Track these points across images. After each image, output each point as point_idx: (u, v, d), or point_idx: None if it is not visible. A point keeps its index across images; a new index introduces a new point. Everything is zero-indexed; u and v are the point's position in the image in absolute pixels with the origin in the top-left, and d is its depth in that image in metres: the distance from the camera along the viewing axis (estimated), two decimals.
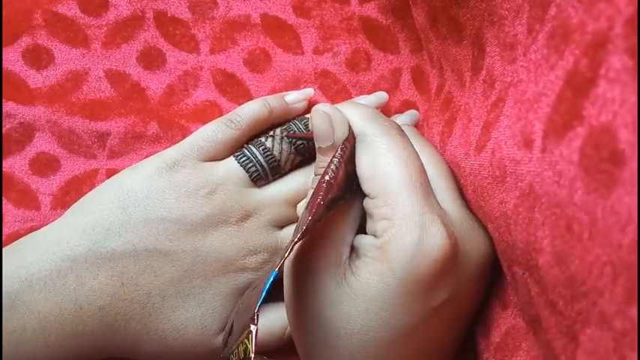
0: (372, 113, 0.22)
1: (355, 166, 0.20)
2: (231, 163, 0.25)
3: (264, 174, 0.25)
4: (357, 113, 0.22)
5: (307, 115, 0.27)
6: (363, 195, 0.20)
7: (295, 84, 0.29)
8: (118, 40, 0.28)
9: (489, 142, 0.18)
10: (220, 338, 0.24)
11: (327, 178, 0.19)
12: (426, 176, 0.20)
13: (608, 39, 0.11)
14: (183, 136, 0.26)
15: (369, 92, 0.29)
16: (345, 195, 0.20)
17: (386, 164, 0.19)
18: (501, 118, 0.17)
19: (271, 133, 0.26)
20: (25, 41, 0.27)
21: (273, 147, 0.26)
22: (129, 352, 0.23)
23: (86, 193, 0.24)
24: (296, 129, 0.26)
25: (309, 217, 0.18)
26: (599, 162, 0.11)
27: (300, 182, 0.26)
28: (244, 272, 0.24)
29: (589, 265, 0.12)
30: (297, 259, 0.21)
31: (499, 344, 0.19)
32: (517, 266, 0.17)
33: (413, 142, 0.21)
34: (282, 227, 0.26)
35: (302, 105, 0.28)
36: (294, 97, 0.28)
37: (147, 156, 0.27)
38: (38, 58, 0.27)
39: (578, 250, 0.12)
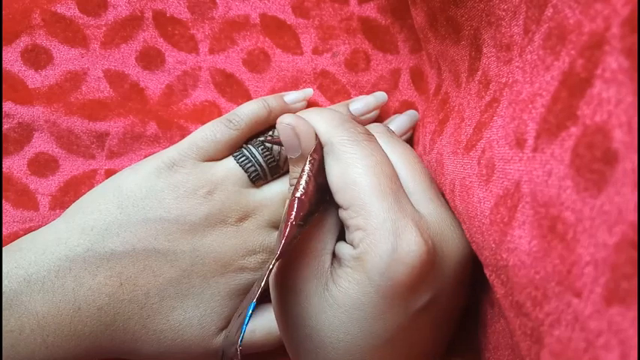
0: (338, 119, 0.21)
1: (325, 177, 0.20)
2: (230, 163, 0.25)
3: (263, 174, 0.25)
4: (322, 121, 0.21)
5: None
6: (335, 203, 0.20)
7: (294, 84, 0.29)
8: (117, 40, 0.28)
9: (480, 141, 0.18)
10: (219, 338, 0.24)
11: (297, 194, 0.19)
12: (397, 180, 0.20)
13: (605, 39, 0.11)
14: (182, 137, 0.26)
15: (368, 92, 0.29)
16: (319, 207, 0.20)
17: (354, 173, 0.19)
18: (495, 118, 0.17)
19: (270, 133, 0.26)
20: (24, 41, 0.27)
21: (272, 147, 0.26)
22: (127, 352, 0.23)
23: (85, 193, 0.24)
24: None
25: (282, 240, 0.18)
26: (591, 161, 0.11)
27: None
28: (243, 272, 0.24)
29: (569, 265, 0.12)
30: (281, 270, 0.21)
31: (495, 343, 0.19)
32: (486, 267, 0.17)
33: (383, 145, 0.21)
34: None
35: (301, 105, 0.28)
36: (294, 97, 0.28)
37: (146, 156, 0.27)
38: (37, 58, 0.27)
39: (559, 249, 0.12)
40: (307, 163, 0.20)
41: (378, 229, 0.18)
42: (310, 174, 0.20)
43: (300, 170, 0.21)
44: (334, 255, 0.20)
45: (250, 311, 0.17)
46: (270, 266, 0.17)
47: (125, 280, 0.22)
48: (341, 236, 0.21)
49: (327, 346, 0.19)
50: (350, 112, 0.28)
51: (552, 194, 0.13)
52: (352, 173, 0.19)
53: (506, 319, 0.16)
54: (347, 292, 0.19)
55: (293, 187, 0.20)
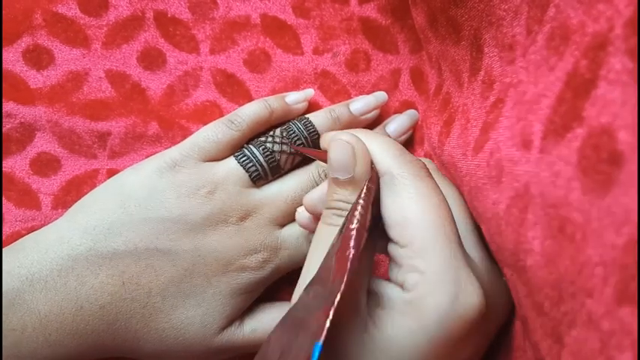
0: (398, 149, 0.20)
1: (378, 208, 0.19)
2: (231, 163, 0.25)
3: (264, 174, 0.26)
4: (382, 148, 0.20)
5: (307, 115, 0.27)
6: (379, 236, 0.19)
7: (295, 84, 0.29)
8: (119, 41, 0.28)
9: (488, 142, 0.18)
10: (220, 337, 0.24)
11: (354, 225, 0.17)
12: (455, 224, 0.19)
13: (608, 40, 0.11)
14: (184, 137, 0.26)
15: (369, 92, 0.30)
16: (370, 240, 0.18)
17: (417, 211, 0.18)
18: (500, 119, 0.17)
19: (271, 133, 0.26)
20: (26, 41, 0.27)
21: (273, 147, 0.26)
22: (129, 350, 0.23)
23: (87, 193, 0.25)
24: (296, 129, 0.26)
25: (345, 275, 0.16)
26: (597, 163, 0.11)
27: (300, 181, 0.26)
28: (244, 271, 0.24)
29: (579, 266, 0.12)
30: None
31: (506, 346, 0.19)
32: (506, 267, 0.17)
33: (438, 183, 0.20)
34: (282, 225, 0.26)
35: (302, 105, 0.28)
36: (295, 98, 0.28)
37: (147, 156, 0.27)
38: (38, 58, 0.27)
39: (570, 250, 0.12)
40: (364, 192, 0.18)
41: (439, 276, 0.17)
42: (367, 204, 0.18)
43: (344, 194, 0.19)
44: (369, 293, 0.19)
45: (317, 354, 0.14)
46: (335, 302, 0.15)
47: (127, 280, 0.22)
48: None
49: None
50: (351, 111, 0.28)
51: (560, 195, 0.13)
52: (415, 210, 0.18)
53: (527, 319, 0.16)
54: (393, 339, 0.17)
55: (347, 217, 0.18)
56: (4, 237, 0.26)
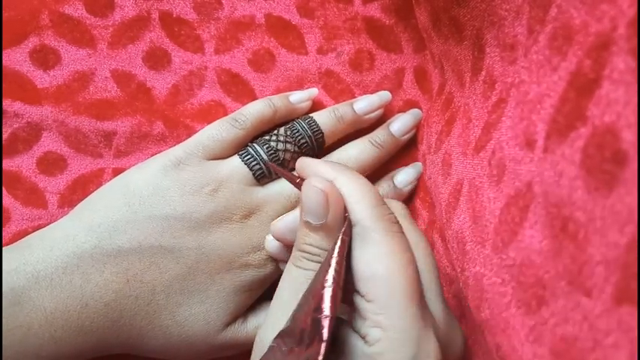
0: (372, 199, 0.19)
1: (349, 259, 0.19)
2: (235, 161, 0.25)
3: (268, 172, 0.26)
4: (357, 197, 0.19)
5: (311, 115, 0.27)
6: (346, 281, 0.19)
7: (299, 84, 0.30)
8: (124, 41, 0.28)
9: (490, 142, 0.18)
10: (224, 334, 0.24)
11: (328, 284, 0.17)
12: (421, 282, 0.19)
13: (612, 40, 0.11)
14: (189, 136, 0.26)
15: (373, 92, 0.30)
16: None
17: (387, 270, 0.18)
18: (503, 118, 0.17)
19: (275, 132, 0.26)
20: (32, 42, 0.27)
21: (277, 146, 0.26)
22: (134, 347, 0.23)
23: (93, 191, 0.25)
24: (300, 128, 0.27)
25: (322, 341, 0.16)
26: (601, 162, 0.11)
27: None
28: (248, 269, 0.24)
29: (580, 265, 0.12)
30: None
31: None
32: (480, 267, 0.17)
33: (407, 234, 0.20)
34: None
35: (306, 105, 0.28)
36: (299, 97, 0.28)
37: (153, 155, 0.27)
38: (45, 58, 0.28)
39: (570, 249, 0.12)
40: (338, 245, 0.18)
41: (401, 335, 0.17)
42: (341, 258, 0.18)
43: (314, 238, 0.19)
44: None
45: None
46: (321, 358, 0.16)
47: (132, 277, 0.22)
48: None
49: None
50: (355, 111, 0.28)
51: (563, 194, 0.13)
52: (384, 268, 0.18)
53: (493, 320, 0.16)
54: None
55: (320, 269, 0.18)
56: (10, 235, 0.26)
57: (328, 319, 0.16)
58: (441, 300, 0.20)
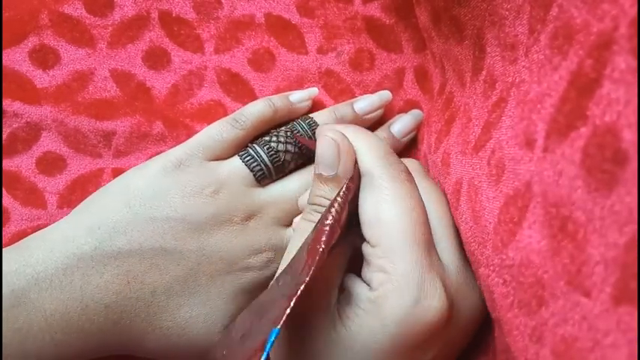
0: (382, 150, 0.20)
1: (356, 206, 0.19)
2: (235, 162, 0.25)
3: (269, 173, 0.26)
4: (366, 148, 0.20)
5: (311, 115, 0.27)
6: (357, 234, 0.19)
7: (299, 83, 0.29)
8: (124, 40, 0.28)
9: (490, 141, 0.18)
10: None
11: (328, 222, 0.18)
12: (429, 228, 0.19)
13: (613, 39, 0.11)
14: (188, 136, 0.26)
15: (373, 91, 0.30)
16: (345, 237, 0.19)
17: (390, 213, 0.18)
18: (503, 118, 0.17)
19: (275, 132, 0.26)
20: (32, 41, 0.27)
21: (277, 146, 0.26)
22: (134, 349, 0.23)
23: (92, 192, 0.25)
24: (300, 128, 0.27)
25: (312, 267, 0.16)
26: (601, 162, 0.11)
27: (304, 181, 0.26)
28: (249, 271, 0.24)
29: (579, 265, 0.12)
30: None
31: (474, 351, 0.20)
32: (484, 267, 0.17)
33: (420, 187, 0.20)
34: (286, 225, 0.26)
35: (306, 104, 0.28)
36: (299, 97, 0.28)
37: (152, 155, 0.28)
38: (44, 58, 0.28)
39: (569, 249, 0.12)
40: (343, 190, 0.19)
41: (404, 278, 0.17)
42: (344, 201, 0.18)
43: (325, 190, 0.20)
44: (341, 288, 0.19)
45: (273, 338, 0.15)
46: (299, 292, 0.16)
47: (132, 278, 0.22)
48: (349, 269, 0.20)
49: None
50: (355, 111, 0.28)
51: (563, 194, 0.13)
52: (388, 212, 0.18)
53: (501, 320, 0.16)
54: (356, 335, 0.17)
55: (323, 213, 0.19)
56: (9, 235, 0.26)
57: (322, 249, 0.17)
58: (454, 250, 0.20)
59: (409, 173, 0.20)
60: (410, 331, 0.17)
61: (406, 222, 0.18)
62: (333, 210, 0.18)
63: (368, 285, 0.18)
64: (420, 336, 0.17)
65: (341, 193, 0.19)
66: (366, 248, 0.19)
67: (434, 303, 0.17)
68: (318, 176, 0.20)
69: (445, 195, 0.21)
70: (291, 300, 0.16)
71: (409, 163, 0.22)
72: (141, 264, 0.22)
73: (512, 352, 0.15)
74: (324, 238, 0.17)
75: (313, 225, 0.19)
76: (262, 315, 0.17)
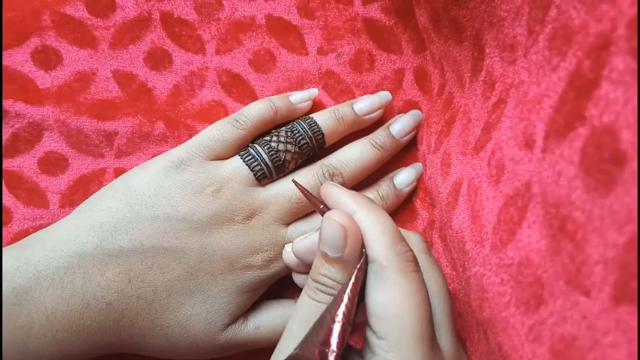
0: (392, 238, 0.19)
1: (362, 292, 0.19)
2: (236, 162, 0.25)
3: (269, 173, 0.26)
4: (375, 234, 0.19)
5: (311, 115, 0.27)
6: (359, 312, 0.19)
7: (300, 84, 0.30)
8: (125, 41, 0.28)
9: (489, 142, 0.18)
10: (224, 334, 0.24)
11: (338, 319, 0.18)
12: (432, 320, 0.19)
13: (611, 40, 0.11)
14: (190, 136, 0.26)
15: (373, 92, 0.30)
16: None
17: (400, 310, 0.18)
18: (503, 119, 0.17)
19: (276, 132, 0.27)
20: (34, 42, 0.28)
21: (277, 146, 0.26)
22: (135, 347, 0.23)
23: (94, 191, 0.25)
24: (300, 129, 0.27)
25: None
26: (600, 162, 0.11)
27: (304, 181, 0.26)
28: (250, 270, 0.24)
29: (578, 264, 0.12)
30: None
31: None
32: (480, 267, 0.17)
33: (424, 271, 0.20)
34: (287, 224, 0.26)
35: (307, 105, 0.28)
36: (299, 97, 0.28)
37: (154, 155, 0.28)
38: (47, 58, 0.28)
39: (569, 249, 0.12)
40: (352, 281, 0.19)
41: None
42: (353, 296, 0.18)
43: (330, 270, 0.19)
44: None
45: None
46: None
47: (133, 277, 0.22)
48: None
49: None
50: (355, 111, 0.28)
51: (562, 194, 0.13)
52: (397, 307, 0.18)
53: (494, 319, 0.16)
54: None
55: (331, 303, 0.18)
56: (12, 235, 0.27)
57: (335, 354, 0.17)
58: (451, 335, 0.20)
59: (416, 262, 0.20)
60: None
61: (415, 319, 0.18)
62: (342, 305, 0.18)
63: None
64: None
65: (350, 285, 0.18)
66: (372, 338, 0.19)
67: None
68: (323, 254, 0.20)
69: (442, 272, 0.22)
70: None
71: (410, 236, 0.22)
72: (142, 263, 0.22)
73: (505, 350, 0.15)
74: (337, 340, 0.17)
75: (317, 305, 0.19)
76: None
